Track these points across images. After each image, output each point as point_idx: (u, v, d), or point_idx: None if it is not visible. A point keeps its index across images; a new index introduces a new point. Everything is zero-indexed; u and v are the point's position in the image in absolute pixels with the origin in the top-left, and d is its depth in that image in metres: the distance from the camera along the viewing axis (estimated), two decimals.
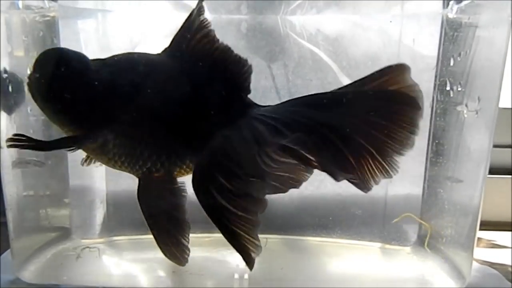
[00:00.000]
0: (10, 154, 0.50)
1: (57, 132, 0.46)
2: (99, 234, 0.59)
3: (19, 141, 0.42)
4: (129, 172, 0.46)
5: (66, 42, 0.54)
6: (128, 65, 0.45)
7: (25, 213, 0.54)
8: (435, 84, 0.54)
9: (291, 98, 0.46)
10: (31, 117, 0.52)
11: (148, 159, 0.45)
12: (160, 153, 0.45)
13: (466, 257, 0.50)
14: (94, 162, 0.49)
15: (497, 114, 0.47)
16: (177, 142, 0.45)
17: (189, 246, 0.47)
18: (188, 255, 0.47)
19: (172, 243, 0.47)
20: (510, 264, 0.57)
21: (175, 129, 0.45)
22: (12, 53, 0.49)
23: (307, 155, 0.41)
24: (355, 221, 0.58)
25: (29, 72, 0.43)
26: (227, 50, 0.45)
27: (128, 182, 0.49)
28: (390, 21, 0.54)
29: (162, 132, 0.45)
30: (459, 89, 0.52)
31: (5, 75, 0.49)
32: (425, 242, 0.56)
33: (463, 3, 0.51)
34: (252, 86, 0.45)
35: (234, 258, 0.53)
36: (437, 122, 0.55)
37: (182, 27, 0.45)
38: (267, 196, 0.43)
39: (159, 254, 0.48)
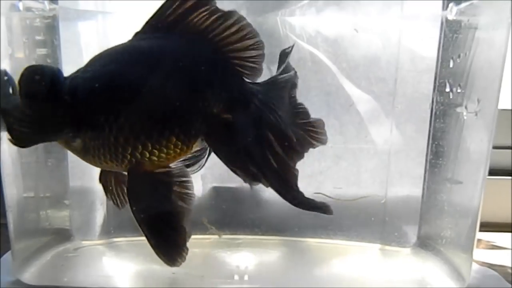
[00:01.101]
0: (10, 154, 0.50)
1: None
2: (99, 236, 0.59)
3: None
4: (116, 167, 0.42)
5: (67, 44, 0.54)
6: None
7: (25, 215, 0.54)
8: (434, 86, 0.54)
9: None
10: None
11: (127, 144, 0.39)
12: (139, 136, 0.39)
13: (466, 258, 0.50)
14: None
15: (496, 116, 0.47)
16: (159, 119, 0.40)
17: (189, 248, 0.46)
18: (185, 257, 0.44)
19: (169, 245, 0.43)
20: (510, 265, 0.57)
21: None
22: (13, 55, 0.49)
23: None
24: (354, 222, 0.58)
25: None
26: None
27: None
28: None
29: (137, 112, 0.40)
30: (459, 90, 0.52)
31: (5, 77, 0.49)
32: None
33: (463, 4, 0.51)
34: None
35: (234, 259, 0.53)
36: (437, 123, 0.55)
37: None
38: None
39: None
